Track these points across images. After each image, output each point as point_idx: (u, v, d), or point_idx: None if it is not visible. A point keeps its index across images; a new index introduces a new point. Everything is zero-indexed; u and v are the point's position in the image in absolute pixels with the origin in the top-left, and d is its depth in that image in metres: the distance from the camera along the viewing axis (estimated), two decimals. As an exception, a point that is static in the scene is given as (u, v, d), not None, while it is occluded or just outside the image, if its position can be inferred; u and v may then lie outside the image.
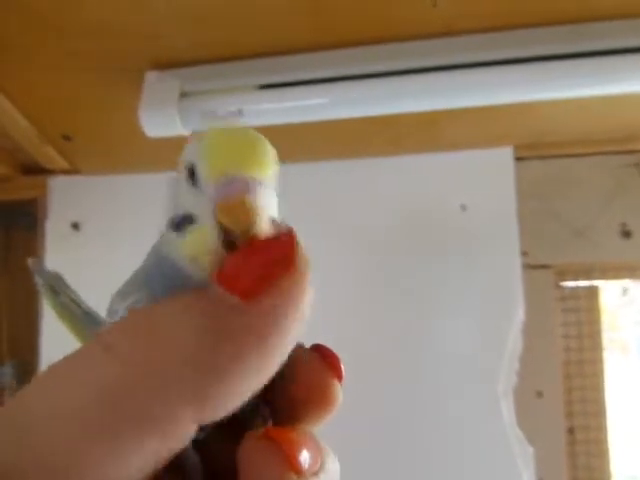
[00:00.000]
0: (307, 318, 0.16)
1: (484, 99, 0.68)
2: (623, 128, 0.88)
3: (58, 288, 0.25)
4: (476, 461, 0.86)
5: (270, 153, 0.18)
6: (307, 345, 0.20)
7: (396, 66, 0.67)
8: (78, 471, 0.14)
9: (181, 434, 0.15)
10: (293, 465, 0.16)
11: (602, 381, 0.91)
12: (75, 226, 0.99)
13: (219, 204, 0.17)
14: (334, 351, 0.19)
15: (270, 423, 0.18)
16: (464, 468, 0.86)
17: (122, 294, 0.20)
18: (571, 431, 0.89)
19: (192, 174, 0.18)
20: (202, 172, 0.17)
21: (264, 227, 0.17)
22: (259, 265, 0.16)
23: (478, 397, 0.87)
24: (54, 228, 1.00)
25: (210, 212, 0.17)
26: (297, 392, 0.18)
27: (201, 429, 0.16)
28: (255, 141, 0.18)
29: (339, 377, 0.19)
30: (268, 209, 0.17)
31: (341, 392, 0.19)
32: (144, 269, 0.20)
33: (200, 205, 0.17)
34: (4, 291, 1.03)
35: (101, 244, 0.97)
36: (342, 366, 0.19)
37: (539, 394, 0.87)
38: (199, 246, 0.17)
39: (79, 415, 0.14)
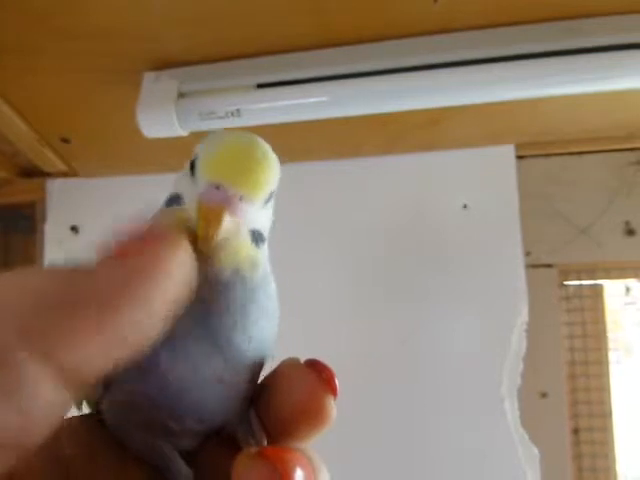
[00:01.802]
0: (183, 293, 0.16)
1: (485, 96, 0.67)
2: (626, 126, 0.87)
3: None
4: (480, 462, 0.85)
5: (269, 170, 0.19)
6: (302, 350, 0.20)
7: (396, 64, 0.66)
8: None
9: (35, 392, 0.14)
10: None
11: (607, 381, 0.90)
12: (74, 229, 0.99)
13: (201, 204, 0.18)
14: (329, 366, 0.19)
15: (265, 440, 0.18)
16: (468, 469, 0.85)
17: None
18: (576, 432, 0.89)
19: (193, 166, 0.20)
20: (198, 169, 0.19)
21: (241, 237, 0.19)
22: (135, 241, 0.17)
23: (482, 398, 0.86)
24: (53, 231, 0.99)
25: (196, 202, 0.19)
26: (291, 408, 0.18)
27: (183, 436, 0.16)
28: (256, 155, 0.19)
29: (333, 393, 0.19)
30: (250, 223, 0.19)
31: (335, 408, 0.18)
32: None
33: (192, 193, 0.19)
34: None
35: (100, 247, 0.97)
36: (337, 381, 0.19)
37: (543, 395, 0.87)
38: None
39: None
